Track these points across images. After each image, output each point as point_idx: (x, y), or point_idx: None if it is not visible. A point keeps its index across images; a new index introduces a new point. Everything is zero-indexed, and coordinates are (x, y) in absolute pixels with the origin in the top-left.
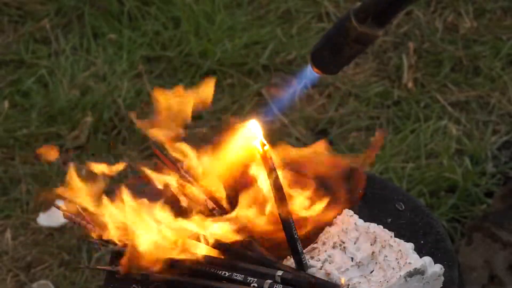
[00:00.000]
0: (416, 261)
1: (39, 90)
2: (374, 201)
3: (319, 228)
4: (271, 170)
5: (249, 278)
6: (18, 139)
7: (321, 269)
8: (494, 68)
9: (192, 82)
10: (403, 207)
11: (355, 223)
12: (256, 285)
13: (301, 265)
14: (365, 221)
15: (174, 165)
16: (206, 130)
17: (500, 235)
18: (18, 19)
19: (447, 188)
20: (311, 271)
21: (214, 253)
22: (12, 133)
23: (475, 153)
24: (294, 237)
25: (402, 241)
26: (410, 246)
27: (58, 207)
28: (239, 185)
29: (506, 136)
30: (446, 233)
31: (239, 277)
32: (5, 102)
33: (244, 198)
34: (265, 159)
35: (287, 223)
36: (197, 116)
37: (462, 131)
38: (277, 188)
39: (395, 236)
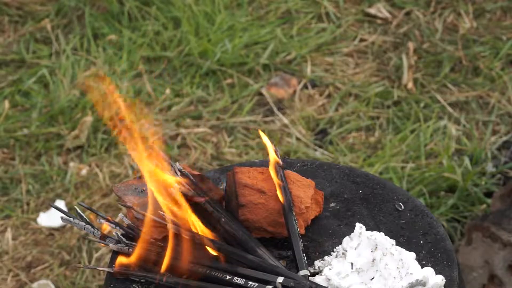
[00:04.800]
0: (418, 271)
1: (39, 90)
2: (374, 201)
3: None
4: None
5: (250, 283)
6: (19, 139)
7: (321, 274)
8: (493, 68)
9: (192, 82)
10: (403, 207)
11: (360, 232)
12: None
13: (301, 263)
14: (365, 221)
15: (171, 166)
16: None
17: (500, 235)
18: (18, 19)
19: (446, 188)
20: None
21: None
22: (12, 133)
23: (474, 153)
24: (295, 235)
25: (403, 249)
26: (411, 255)
27: (58, 208)
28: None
29: (506, 136)
30: (445, 233)
31: (240, 281)
32: (6, 102)
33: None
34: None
35: (289, 219)
36: (197, 116)
37: (462, 131)
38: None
39: (395, 237)
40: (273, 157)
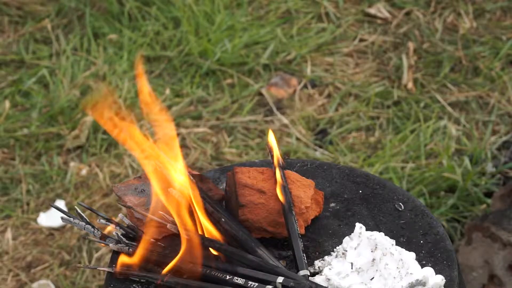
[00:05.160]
0: (418, 271)
1: (39, 90)
2: (374, 201)
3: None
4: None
5: (250, 283)
6: (19, 139)
7: (321, 274)
8: (493, 68)
9: (192, 82)
10: (403, 207)
11: (360, 232)
12: None
13: (301, 263)
14: (365, 221)
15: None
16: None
17: (500, 235)
18: (18, 19)
19: (446, 188)
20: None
21: (214, 255)
22: (12, 133)
23: (474, 153)
24: (295, 235)
25: (403, 249)
26: (411, 255)
27: (58, 208)
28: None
29: (506, 136)
30: (445, 233)
31: (240, 281)
32: (6, 102)
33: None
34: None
35: (289, 219)
36: (197, 116)
37: (462, 131)
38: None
39: (395, 237)
40: (277, 157)
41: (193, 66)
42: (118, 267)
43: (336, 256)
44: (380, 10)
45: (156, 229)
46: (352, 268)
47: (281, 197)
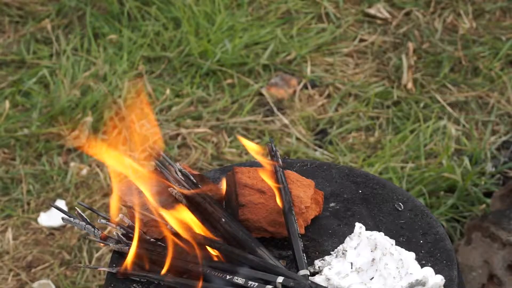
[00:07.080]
0: (417, 271)
1: (40, 90)
2: (373, 201)
3: None
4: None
5: (250, 283)
6: (19, 139)
7: (321, 274)
8: (493, 68)
9: (192, 82)
10: (403, 207)
11: (360, 232)
12: None
13: (301, 263)
14: (364, 220)
15: (172, 166)
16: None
17: (499, 235)
18: (19, 20)
19: (446, 188)
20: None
21: (214, 255)
22: (13, 133)
23: (474, 153)
24: (295, 235)
25: (403, 249)
26: (411, 255)
27: (58, 208)
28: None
29: (505, 136)
30: (445, 233)
31: (240, 281)
32: (6, 102)
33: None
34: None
35: (289, 219)
36: (197, 116)
37: (462, 131)
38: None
39: (395, 237)
40: (262, 161)
41: (193, 66)
42: (123, 268)
43: (336, 256)
44: (380, 10)
45: (156, 229)
46: (352, 268)
47: (279, 201)
